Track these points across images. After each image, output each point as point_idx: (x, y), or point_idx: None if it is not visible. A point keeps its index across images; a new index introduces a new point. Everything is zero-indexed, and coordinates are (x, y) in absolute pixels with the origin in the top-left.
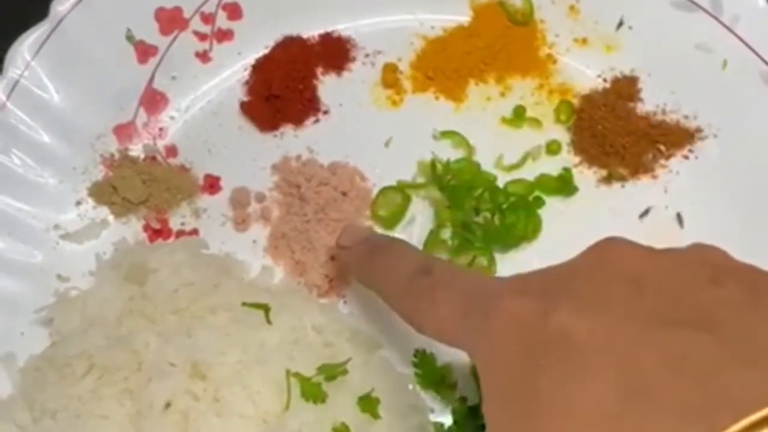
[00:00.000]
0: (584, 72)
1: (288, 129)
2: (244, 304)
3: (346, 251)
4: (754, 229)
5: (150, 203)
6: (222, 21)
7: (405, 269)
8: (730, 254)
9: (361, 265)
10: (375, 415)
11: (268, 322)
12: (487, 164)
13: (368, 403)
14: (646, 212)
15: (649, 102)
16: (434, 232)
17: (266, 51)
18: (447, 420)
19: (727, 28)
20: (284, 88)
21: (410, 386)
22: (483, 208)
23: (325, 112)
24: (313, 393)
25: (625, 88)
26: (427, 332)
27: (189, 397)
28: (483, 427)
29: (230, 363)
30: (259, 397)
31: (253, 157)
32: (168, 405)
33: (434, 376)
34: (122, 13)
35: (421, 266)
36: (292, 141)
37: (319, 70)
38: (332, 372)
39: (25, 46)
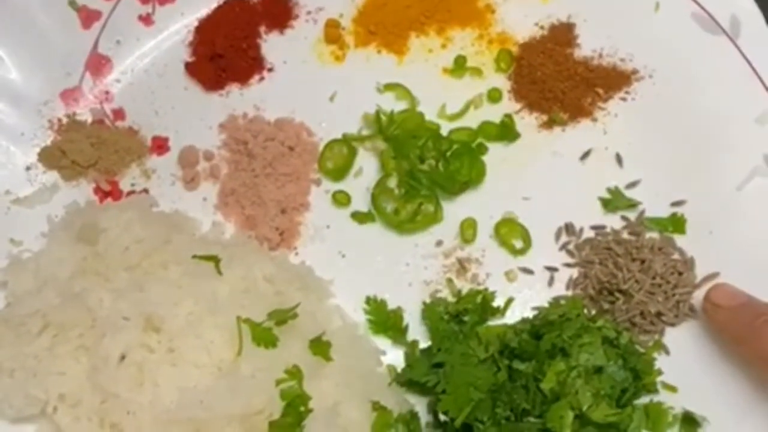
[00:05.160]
0: (522, 21)
1: (233, 88)
2: (194, 256)
3: (721, 311)
4: (691, 165)
5: (99, 166)
6: None
7: None
8: None
9: (743, 331)
10: (327, 358)
11: (219, 273)
12: (430, 114)
13: (319, 346)
14: (586, 154)
15: (586, 47)
16: (381, 182)
17: (209, 11)
18: (400, 362)
19: None
20: (228, 47)
21: (362, 331)
22: (428, 156)
23: (270, 70)
24: (264, 338)
25: (563, 34)
26: None
27: (144, 349)
28: (434, 366)
29: (183, 314)
30: (212, 345)
31: (200, 117)
32: (123, 358)
33: (386, 322)
34: None
35: None
36: (238, 99)
37: (263, 29)
38: (282, 316)
39: None
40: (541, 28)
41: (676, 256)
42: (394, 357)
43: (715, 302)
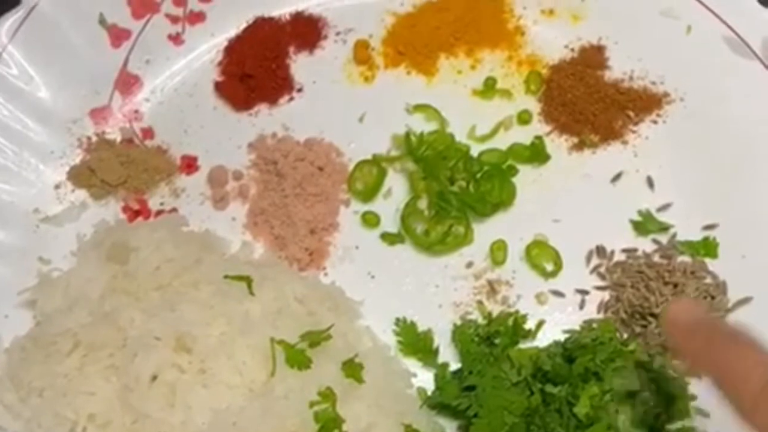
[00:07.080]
0: (552, 42)
1: (263, 107)
2: (226, 276)
3: (679, 329)
4: (723, 189)
5: (128, 185)
6: (193, 3)
7: (762, 370)
8: None
9: (702, 350)
10: (359, 380)
11: (251, 293)
12: (460, 135)
13: (352, 368)
14: (617, 177)
15: (617, 69)
16: (411, 203)
17: (238, 31)
18: (430, 384)
19: None
20: (257, 67)
21: (392, 353)
22: (458, 178)
23: (299, 90)
24: (297, 359)
25: (593, 56)
26: None
27: (175, 369)
28: (465, 389)
29: (215, 335)
30: (244, 366)
31: (229, 136)
32: (154, 378)
33: (416, 343)
34: None
35: None
36: (267, 119)
37: (292, 49)
38: (316, 338)
39: (1, 31)
40: (572, 50)
41: (708, 280)
42: (425, 379)
43: (674, 320)
